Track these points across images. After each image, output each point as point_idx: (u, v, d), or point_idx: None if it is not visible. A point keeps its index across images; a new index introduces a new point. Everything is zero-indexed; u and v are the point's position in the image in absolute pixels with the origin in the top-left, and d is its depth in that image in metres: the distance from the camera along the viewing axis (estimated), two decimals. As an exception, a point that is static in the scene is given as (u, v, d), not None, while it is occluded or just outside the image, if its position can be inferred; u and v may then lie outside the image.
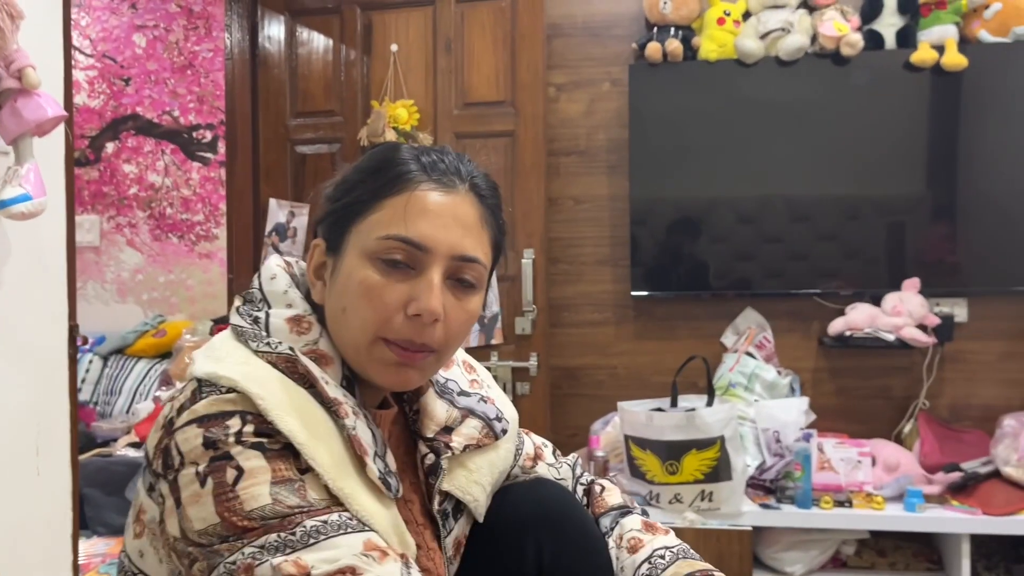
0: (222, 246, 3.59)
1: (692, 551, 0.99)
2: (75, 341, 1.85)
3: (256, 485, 0.74)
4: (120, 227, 3.85)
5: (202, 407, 0.77)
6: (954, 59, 2.51)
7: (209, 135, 3.79)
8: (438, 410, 0.97)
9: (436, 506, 0.93)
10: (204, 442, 0.75)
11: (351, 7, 2.79)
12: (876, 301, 2.58)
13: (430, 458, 0.94)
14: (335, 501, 0.77)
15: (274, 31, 2.85)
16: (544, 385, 2.67)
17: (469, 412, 0.99)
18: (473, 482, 0.96)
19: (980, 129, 2.59)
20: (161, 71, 3.82)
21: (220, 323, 3.43)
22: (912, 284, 2.54)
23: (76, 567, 1.86)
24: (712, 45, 2.65)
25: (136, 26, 3.83)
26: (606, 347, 2.87)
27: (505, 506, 0.99)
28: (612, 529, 1.03)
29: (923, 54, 2.53)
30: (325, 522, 0.74)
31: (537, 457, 1.11)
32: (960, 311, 2.64)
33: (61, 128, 1.73)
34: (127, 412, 3.31)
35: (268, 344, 0.84)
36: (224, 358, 0.82)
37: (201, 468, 0.75)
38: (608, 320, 2.87)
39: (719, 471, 2.27)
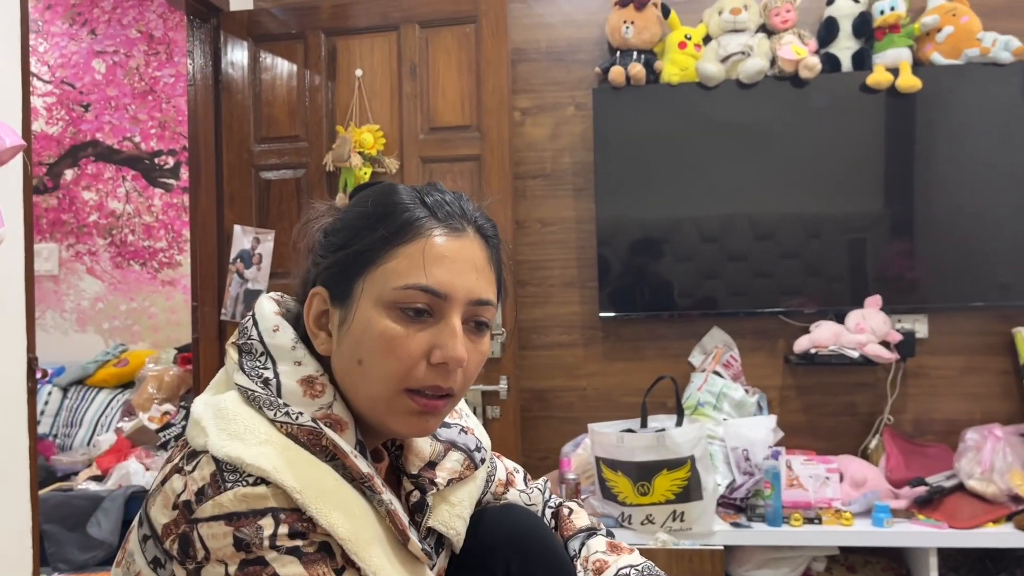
0: (186, 273, 3.54)
1: (657, 568, 1.01)
2: (34, 374, 1.81)
3: None
4: (80, 255, 3.79)
5: (229, 502, 0.74)
6: (908, 81, 2.58)
7: (171, 161, 3.76)
8: (422, 445, 0.96)
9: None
10: (235, 543, 0.73)
11: (315, 32, 2.79)
12: (839, 319, 2.62)
13: (415, 495, 0.93)
14: None
15: (237, 56, 2.83)
16: (514, 408, 2.66)
17: (451, 445, 0.98)
18: (456, 516, 0.95)
19: (935, 148, 2.65)
20: (121, 97, 3.78)
21: (184, 351, 3.38)
22: (874, 301, 2.59)
23: (36, 607, 1.80)
24: (674, 69, 2.69)
25: (96, 52, 3.79)
26: (575, 369, 2.88)
27: (477, 531, 0.98)
28: (579, 551, 1.04)
29: (878, 76, 2.59)
30: None
31: (509, 483, 1.11)
32: (921, 327, 2.69)
33: (19, 156, 1.70)
34: (88, 444, 3.24)
35: (287, 414, 0.80)
36: (243, 434, 0.78)
37: (231, 570, 0.72)
38: (577, 342, 2.88)
39: (690, 491, 2.28)
